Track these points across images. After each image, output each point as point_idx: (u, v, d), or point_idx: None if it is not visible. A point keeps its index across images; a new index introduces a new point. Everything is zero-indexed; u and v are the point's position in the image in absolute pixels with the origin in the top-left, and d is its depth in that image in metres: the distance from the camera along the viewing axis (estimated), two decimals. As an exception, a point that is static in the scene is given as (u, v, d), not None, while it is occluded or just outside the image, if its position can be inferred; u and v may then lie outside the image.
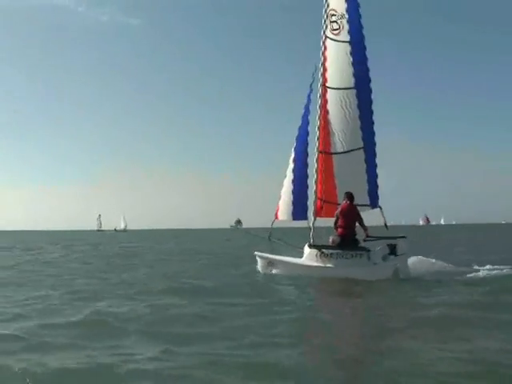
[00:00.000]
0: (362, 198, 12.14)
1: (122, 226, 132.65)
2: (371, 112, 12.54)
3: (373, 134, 12.51)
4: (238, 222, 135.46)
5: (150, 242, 43.51)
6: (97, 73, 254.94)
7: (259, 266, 12.31)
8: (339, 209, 11.64)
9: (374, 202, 12.37)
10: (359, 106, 12.57)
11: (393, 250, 10.60)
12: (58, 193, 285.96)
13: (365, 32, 12.66)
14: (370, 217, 12.19)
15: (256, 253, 12.62)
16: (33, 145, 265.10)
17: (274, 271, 11.92)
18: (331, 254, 11.11)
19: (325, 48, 12.87)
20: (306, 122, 13.16)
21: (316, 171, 12.49)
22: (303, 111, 13.21)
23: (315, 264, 11.30)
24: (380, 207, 12.38)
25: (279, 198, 13.28)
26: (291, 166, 13.08)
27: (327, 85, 12.88)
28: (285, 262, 11.98)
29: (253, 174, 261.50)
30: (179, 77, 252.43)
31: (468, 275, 10.97)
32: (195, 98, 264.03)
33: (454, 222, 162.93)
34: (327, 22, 12.78)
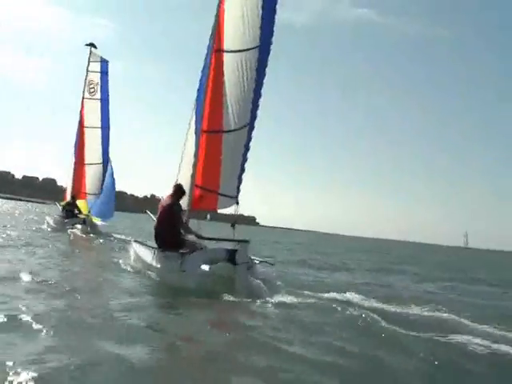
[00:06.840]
0: (231, 188, 9.89)
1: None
2: (263, 82, 9.88)
3: (256, 114, 9.91)
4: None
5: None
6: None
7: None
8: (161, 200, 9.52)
9: (237, 195, 9.97)
10: (257, 72, 10.06)
11: (232, 257, 7.94)
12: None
13: None
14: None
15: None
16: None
17: None
18: (154, 251, 9.05)
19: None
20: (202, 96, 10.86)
21: (195, 154, 10.13)
22: (200, 82, 10.99)
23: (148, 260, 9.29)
24: (238, 202, 9.93)
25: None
26: (194, 148, 10.63)
27: (224, 48, 10.59)
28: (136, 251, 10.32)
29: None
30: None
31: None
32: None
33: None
34: None
